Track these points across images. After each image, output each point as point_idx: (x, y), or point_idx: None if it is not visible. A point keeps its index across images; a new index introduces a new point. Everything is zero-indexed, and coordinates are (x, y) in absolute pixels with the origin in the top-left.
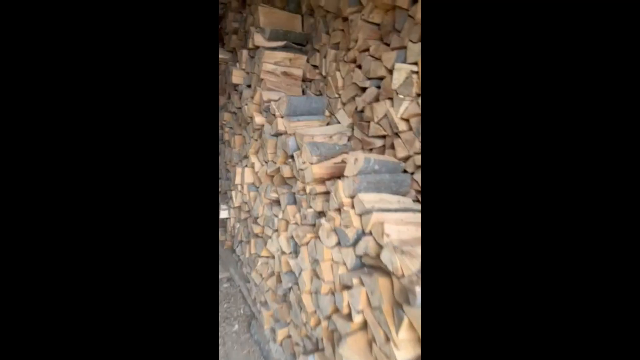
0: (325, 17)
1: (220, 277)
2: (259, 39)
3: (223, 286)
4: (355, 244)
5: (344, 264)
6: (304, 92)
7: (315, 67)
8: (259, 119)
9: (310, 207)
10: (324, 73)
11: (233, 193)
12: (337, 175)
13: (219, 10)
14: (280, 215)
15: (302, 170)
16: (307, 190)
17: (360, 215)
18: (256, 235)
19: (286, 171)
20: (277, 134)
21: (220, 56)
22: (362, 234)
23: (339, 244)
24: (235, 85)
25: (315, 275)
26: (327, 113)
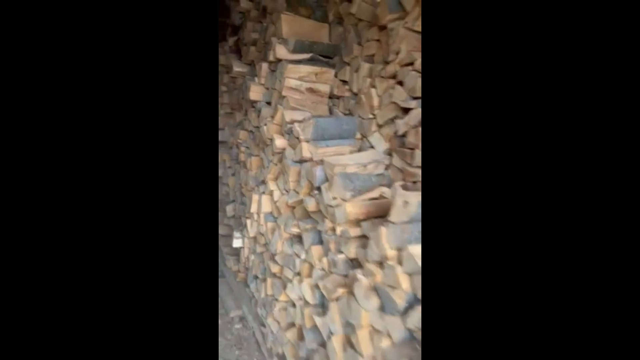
0: (357, 25)
1: (231, 315)
2: (281, 51)
3: (235, 327)
4: (405, 312)
5: (389, 335)
6: (330, 111)
7: (344, 82)
8: (280, 142)
9: (342, 252)
10: (355, 89)
11: (248, 221)
12: (375, 214)
13: (237, 20)
14: (303, 256)
15: (331, 207)
16: (338, 232)
17: (410, 274)
18: (274, 275)
19: (311, 205)
20: (301, 161)
21: (237, 69)
22: (415, 300)
23: (382, 308)
24: (253, 102)
25: (350, 344)
26: (357, 135)
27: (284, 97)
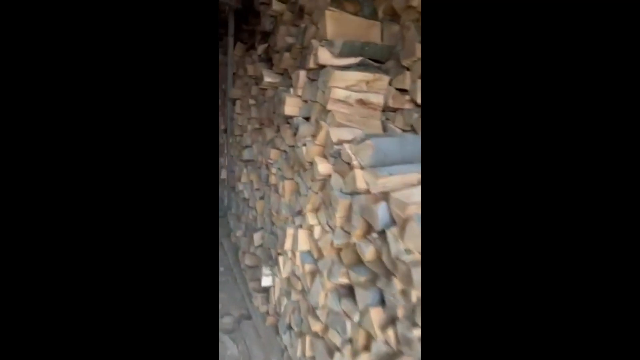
0: (419, 21)
1: None
2: (324, 55)
3: None
4: None
5: None
6: (384, 128)
7: (402, 91)
8: (323, 167)
9: (418, 325)
10: (419, 100)
11: (280, 259)
12: None
13: (268, 26)
14: (357, 318)
15: (403, 262)
16: (414, 299)
17: None
18: (315, 334)
19: (369, 253)
20: (354, 193)
21: (267, 79)
22: None
23: None
24: (288, 117)
25: None
26: None
27: (328, 111)
